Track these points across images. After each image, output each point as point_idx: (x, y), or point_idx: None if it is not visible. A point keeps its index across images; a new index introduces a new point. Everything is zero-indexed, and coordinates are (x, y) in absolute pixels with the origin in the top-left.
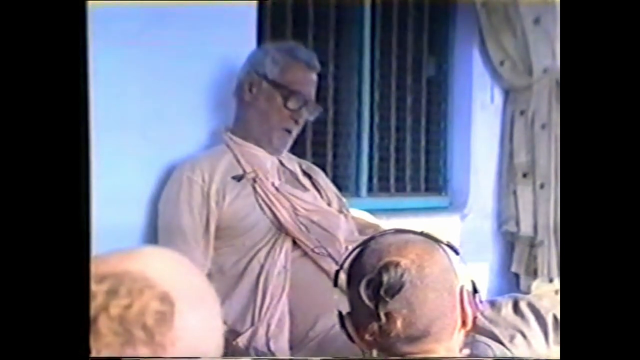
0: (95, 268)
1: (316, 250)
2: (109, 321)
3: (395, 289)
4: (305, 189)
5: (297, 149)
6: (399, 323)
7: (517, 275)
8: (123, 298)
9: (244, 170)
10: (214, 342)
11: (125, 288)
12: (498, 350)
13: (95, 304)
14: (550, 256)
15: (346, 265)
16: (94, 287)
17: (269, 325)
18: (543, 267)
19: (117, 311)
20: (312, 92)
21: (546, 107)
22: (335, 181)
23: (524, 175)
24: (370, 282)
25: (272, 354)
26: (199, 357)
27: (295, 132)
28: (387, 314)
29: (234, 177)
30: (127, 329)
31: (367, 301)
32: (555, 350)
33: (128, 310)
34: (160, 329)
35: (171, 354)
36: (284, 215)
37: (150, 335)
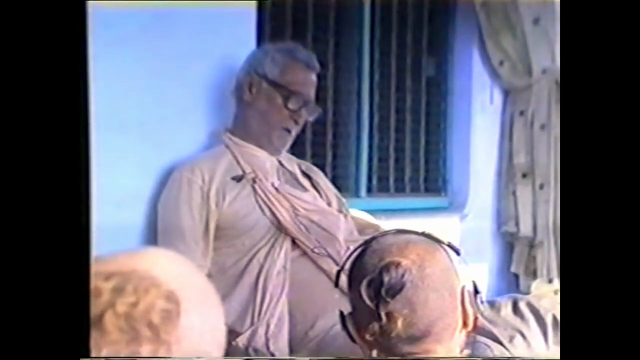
0: (101, 266)
1: (316, 250)
2: (115, 318)
3: (396, 289)
4: (304, 189)
5: (296, 150)
6: (399, 323)
7: (516, 276)
8: (129, 296)
9: (244, 171)
10: (217, 342)
11: (131, 286)
12: (497, 350)
13: (101, 301)
14: (549, 257)
15: (347, 265)
16: (100, 284)
17: (268, 326)
18: (542, 267)
19: (124, 309)
20: (312, 92)
21: (546, 108)
22: (334, 181)
23: (524, 176)
24: (371, 282)
25: (272, 354)
26: (200, 358)
27: (295, 132)
28: (388, 314)
29: (233, 178)
30: (133, 326)
31: (368, 301)
32: (554, 351)
33: (134, 308)
34: (165, 327)
35: (176, 353)
36: (284, 215)
37: (156, 333)
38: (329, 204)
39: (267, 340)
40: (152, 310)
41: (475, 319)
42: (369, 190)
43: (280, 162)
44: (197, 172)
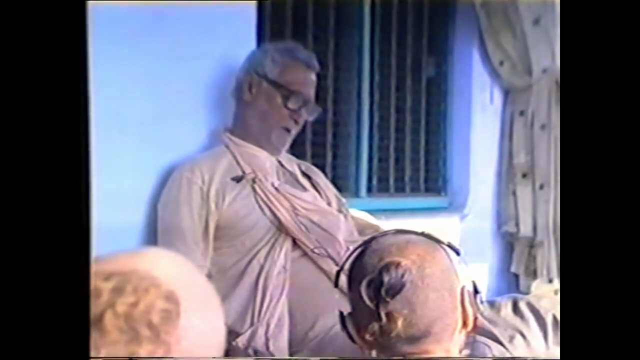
0: (101, 266)
1: (316, 250)
2: (115, 319)
3: (396, 289)
4: (304, 189)
5: (296, 150)
6: (399, 323)
7: (516, 276)
8: (129, 296)
9: (243, 171)
10: (217, 342)
11: (131, 286)
12: (497, 350)
13: (101, 302)
14: (549, 257)
15: (347, 265)
16: (100, 284)
17: (268, 326)
18: (542, 267)
19: (124, 309)
20: (311, 92)
21: (546, 108)
22: (334, 181)
23: (524, 176)
24: (371, 282)
25: (272, 354)
26: (199, 358)
27: (295, 131)
28: (387, 314)
29: (233, 179)
30: (133, 326)
31: (367, 301)
32: (554, 351)
33: (134, 308)
34: (165, 327)
35: (176, 353)
36: (284, 215)
37: (156, 333)
38: (329, 204)
39: (267, 340)
40: (152, 310)
41: (475, 319)
42: (369, 190)
43: (280, 162)
44: (197, 172)
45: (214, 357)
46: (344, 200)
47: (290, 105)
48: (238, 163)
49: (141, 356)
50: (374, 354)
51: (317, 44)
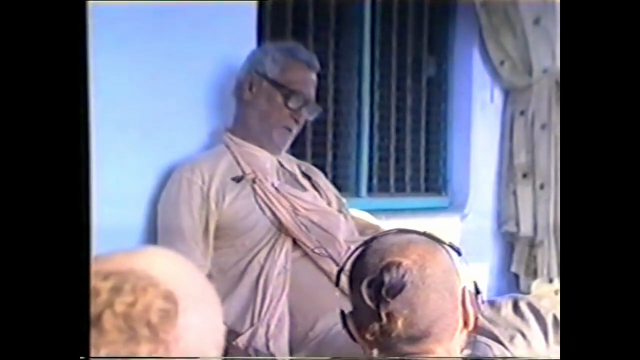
0: (99, 266)
1: (316, 250)
2: (114, 318)
3: (396, 289)
4: (304, 189)
5: (297, 149)
6: (400, 323)
7: (517, 276)
8: (127, 295)
9: (243, 171)
10: (216, 341)
11: (129, 286)
12: (498, 350)
13: (99, 301)
14: (550, 256)
15: (348, 265)
16: (98, 284)
17: (268, 326)
18: (543, 267)
19: (122, 308)
20: (312, 92)
21: (546, 107)
22: (335, 181)
23: (524, 176)
24: (371, 282)
25: (272, 354)
26: (198, 357)
27: (295, 131)
28: (388, 314)
29: (233, 179)
30: (131, 326)
31: (368, 301)
32: (554, 350)
33: (132, 307)
34: (164, 326)
35: (174, 352)
36: (284, 215)
37: (154, 333)
38: (329, 204)
39: (267, 340)
40: (150, 309)
41: (476, 319)
42: (370, 190)
43: (280, 163)
44: (197, 172)
45: (213, 357)
46: (344, 200)
47: (291, 104)
48: (238, 163)
49: (140, 356)
50: (374, 353)
51: (317, 44)
